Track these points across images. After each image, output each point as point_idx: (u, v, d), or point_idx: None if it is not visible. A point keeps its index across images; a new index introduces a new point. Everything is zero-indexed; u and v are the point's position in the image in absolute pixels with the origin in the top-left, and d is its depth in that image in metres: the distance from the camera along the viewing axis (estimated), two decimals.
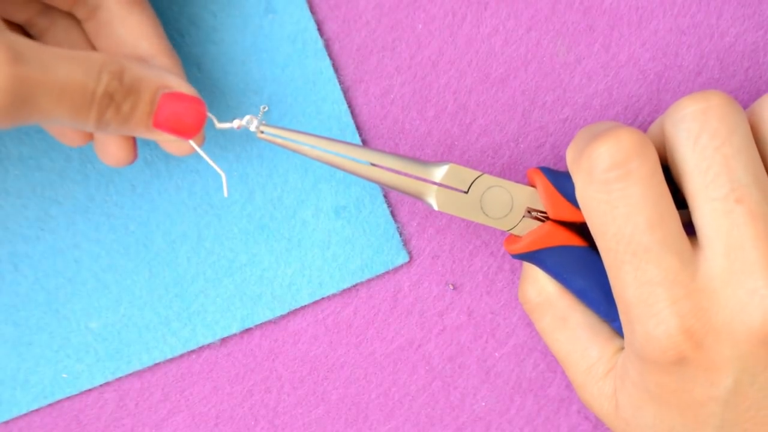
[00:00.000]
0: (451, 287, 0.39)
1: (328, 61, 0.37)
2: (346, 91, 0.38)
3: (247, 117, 0.34)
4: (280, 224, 0.38)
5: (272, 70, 0.37)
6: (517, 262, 0.39)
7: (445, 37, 0.38)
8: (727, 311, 0.30)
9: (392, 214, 0.38)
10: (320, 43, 0.37)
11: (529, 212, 0.34)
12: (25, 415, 0.38)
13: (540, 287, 0.35)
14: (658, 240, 0.30)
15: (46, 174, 0.37)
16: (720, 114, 0.30)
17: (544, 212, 0.34)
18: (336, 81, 0.37)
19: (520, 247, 0.34)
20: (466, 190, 0.34)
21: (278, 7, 0.37)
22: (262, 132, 0.33)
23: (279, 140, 0.33)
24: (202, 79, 0.37)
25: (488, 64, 0.38)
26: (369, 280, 0.39)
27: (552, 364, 0.39)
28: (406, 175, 0.34)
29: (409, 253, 0.39)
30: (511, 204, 0.34)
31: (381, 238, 0.38)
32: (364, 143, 0.38)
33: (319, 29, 0.37)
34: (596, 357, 0.34)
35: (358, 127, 0.38)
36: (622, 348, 0.34)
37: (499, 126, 0.38)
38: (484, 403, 0.39)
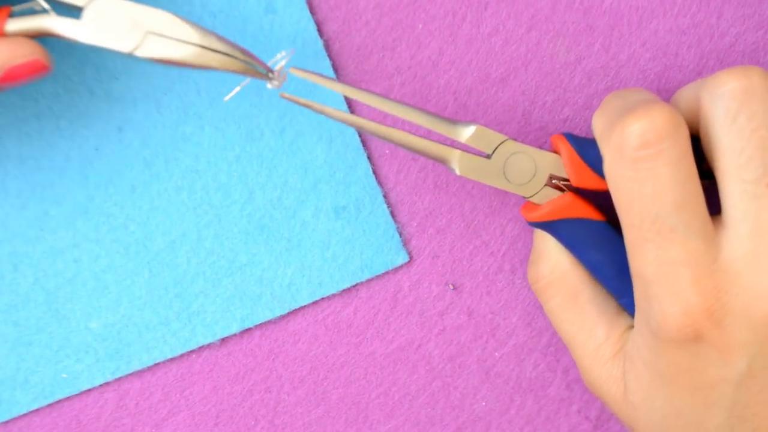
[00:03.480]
0: (451, 287, 0.39)
1: (328, 61, 0.37)
2: None
3: (279, 67, 0.33)
4: (280, 224, 0.38)
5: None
6: (517, 262, 0.39)
7: (445, 37, 0.38)
8: (748, 294, 0.30)
9: (392, 214, 0.38)
10: (320, 43, 0.37)
11: (551, 179, 0.34)
12: (25, 415, 0.38)
13: (555, 262, 0.35)
14: (683, 221, 0.30)
15: (46, 174, 0.37)
16: (761, 94, 0.30)
17: (567, 179, 0.34)
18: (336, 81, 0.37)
19: (538, 216, 0.34)
20: (490, 153, 0.34)
21: (278, 7, 0.37)
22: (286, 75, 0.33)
23: (302, 101, 0.33)
24: (202, 80, 0.37)
25: (488, 64, 0.38)
26: (369, 280, 0.39)
27: (552, 364, 0.39)
28: (429, 137, 0.34)
29: (409, 253, 0.39)
30: (534, 171, 0.34)
31: (381, 238, 0.38)
32: (364, 143, 0.38)
33: (319, 29, 0.37)
34: (603, 337, 0.34)
35: None
36: (630, 327, 0.34)
37: (499, 126, 0.38)
38: (484, 403, 0.40)
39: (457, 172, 0.34)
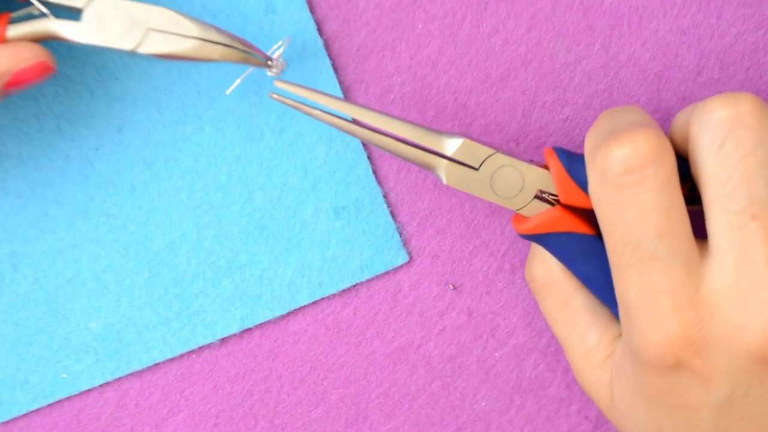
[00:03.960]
0: (451, 287, 0.39)
1: (328, 61, 0.37)
2: (346, 91, 0.38)
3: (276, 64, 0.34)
4: (280, 224, 0.38)
5: None
6: (517, 262, 0.39)
7: (445, 37, 0.38)
8: (729, 325, 0.29)
9: (392, 214, 0.38)
10: (320, 43, 0.37)
11: (541, 192, 0.34)
12: (25, 415, 0.38)
13: (547, 267, 0.35)
14: (665, 249, 0.29)
15: (46, 174, 0.37)
16: (748, 123, 0.29)
17: (556, 195, 0.34)
18: (336, 81, 0.37)
19: (527, 228, 0.34)
20: (477, 167, 0.34)
21: (278, 7, 0.37)
22: (273, 92, 0.34)
23: (290, 101, 0.33)
24: (202, 80, 0.37)
25: (488, 64, 0.38)
26: (369, 280, 0.39)
27: (552, 364, 0.39)
28: (417, 146, 0.33)
29: (409, 253, 0.39)
30: (522, 184, 0.34)
31: (381, 238, 0.38)
32: (364, 143, 0.38)
33: (319, 29, 0.37)
34: (595, 342, 0.34)
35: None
36: (621, 334, 0.34)
37: (499, 126, 0.38)
38: (484, 403, 0.40)
39: (444, 181, 0.34)
